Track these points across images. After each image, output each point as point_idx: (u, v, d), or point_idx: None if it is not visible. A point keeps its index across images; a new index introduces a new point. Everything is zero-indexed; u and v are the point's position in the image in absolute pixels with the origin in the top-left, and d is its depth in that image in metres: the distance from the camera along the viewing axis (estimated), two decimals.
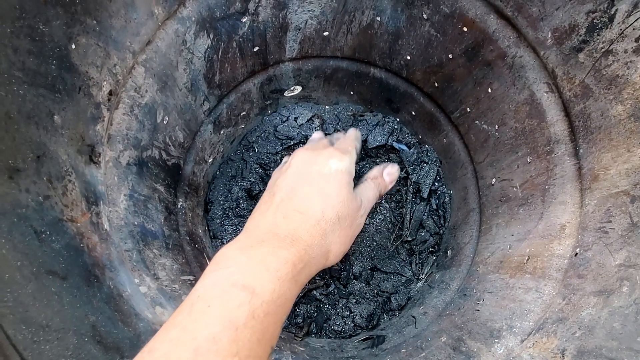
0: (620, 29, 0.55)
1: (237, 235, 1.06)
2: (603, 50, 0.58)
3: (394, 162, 0.66)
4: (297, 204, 0.46)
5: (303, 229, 0.44)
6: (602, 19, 0.57)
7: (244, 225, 1.09)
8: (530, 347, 0.58)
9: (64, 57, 0.50)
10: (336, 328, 1.01)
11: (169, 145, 0.80)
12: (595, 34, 0.58)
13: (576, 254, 0.61)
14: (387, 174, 0.62)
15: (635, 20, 0.52)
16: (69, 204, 0.49)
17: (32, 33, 0.45)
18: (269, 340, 0.34)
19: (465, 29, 0.79)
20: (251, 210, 1.12)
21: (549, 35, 0.65)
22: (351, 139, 0.62)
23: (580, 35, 0.60)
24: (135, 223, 0.66)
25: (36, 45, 0.45)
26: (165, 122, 0.77)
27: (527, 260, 0.71)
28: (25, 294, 0.36)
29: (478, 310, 0.75)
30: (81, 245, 0.48)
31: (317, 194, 0.47)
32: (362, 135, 1.13)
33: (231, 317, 0.32)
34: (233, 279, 0.35)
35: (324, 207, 0.46)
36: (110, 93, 0.60)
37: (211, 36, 0.79)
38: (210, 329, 0.31)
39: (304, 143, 1.15)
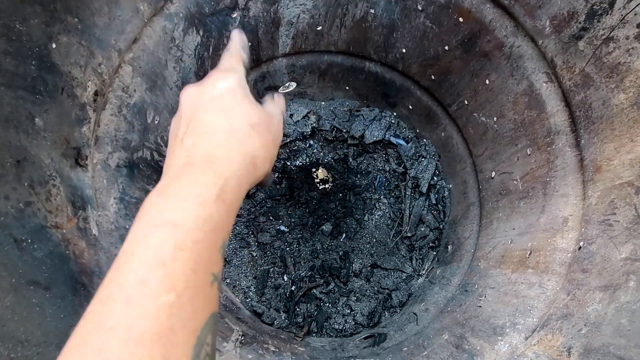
0: (622, 15, 0.53)
1: (237, 235, 1.06)
2: (604, 37, 0.56)
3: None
4: (201, 129, 0.43)
5: (216, 146, 0.40)
6: (602, 5, 0.55)
7: (241, 225, 1.07)
8: (534, 344, 0.56)
9: (44, 57, 0.48)
10: (337, 327, 1.00)
11: (161, 146, 0.79)
12: (595, 20, 0.56)
13: (580, 247, 0.59)
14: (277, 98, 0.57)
15: (637, 5, 0.51)
16: (53, 209, 0.47)
17: (8, 32, 0.43)
18: (205, 267, 0.33)
19: (461, 19, 0.77)
20: (248, 209, 1.11)
21: (547, 24, 0.63)
22: (235, 51, 0.55)
23: (580, 23, 0.58)
24: (127, 227, 0.64)
25: (13, 45, 0.43)
26: (156, 122, 0.75)
27: (529, 254, 0.69)
28: (3, 307, 0.34)
29: (480, 307, 0.74)
30: (67, 252, 0.46)
31: (217, 113, 0.44)
32: (359, 130, 1.11)
33: (156, 256, 0.31)
34: (152, 222, 0.33)
35: (229, 120, 0.43)
36: (95, 93, 0.58)
37: (201, 32, 0.77)
38: (136, 275, 0.30)
39: (301, 140, 1.13)
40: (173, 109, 0.80)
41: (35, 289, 0.39)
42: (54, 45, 0.49)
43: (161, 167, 0.79)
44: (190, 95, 0.46)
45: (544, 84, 0.68)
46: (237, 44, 0.55)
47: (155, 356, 0.27)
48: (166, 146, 0.80)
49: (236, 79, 0.47)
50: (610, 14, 0.54)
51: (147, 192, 0.73)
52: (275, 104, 0.53)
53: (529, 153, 0.74)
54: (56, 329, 0.39)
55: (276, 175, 1.09)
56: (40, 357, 0.35)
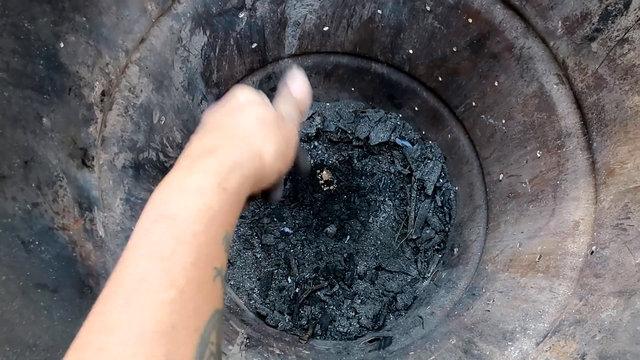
0: (637, 16, 0.52)
1: (240, 237, 1.05)
2: (618, 38, 0.55)
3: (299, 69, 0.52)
4: (207, 127, 0.42)
5: (218, 138, 0.39)
6: (617, 6, 0.54)
7: (245, 226, 1.06)
8: (547, 350, 0.55)
9: (52, 57, 0.47)
10: (341, 329, 0.99)
11: (167, 147, 0.78)
12: (610, 21, 0.56)
13: (592, 252, 0.58)
14: (295, 89, 0.51)
15: None
16: (60, 210, 0.46)
17: (17, 31, 0.42)
18: (206, 261, 0.31)
19: (470, 20, 0.76)
20: (252, 211, 1.10)
21: (560, 25, 0.63)
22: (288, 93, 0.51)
23: (593, 24, 0.58)
24: (133, 228, 0.63)
25: (21, 44, 0.43)
26: (162, 123, 0.75)
27: (539, 258, 0.68)
28: (11, 311, 0.34)
29: (488, 311, 0.73)
30: (73, 254, 0.45)
31: (226, 113, 0.43)
32: (364, 132, 1.10)
33: (155, 251, 0.30)
34: (153, 217, 0.32)
35: (236, 118, 0.42)
36: (102, 94, 0.58)
37: (208, 33, 0.76)
38: (136, 271, 0.29)
39: (305, 141, 1.12)
40: (179, 110, 0.79)
41: (43, 291, 0.38)
42: (62, 45, 0.49)
43: (167, 168, 0.78)
44: (210, 108, 0.45)
45: (555, 86, 0.67)
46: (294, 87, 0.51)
47: (157, 356, 0.26)
48: (172, 147, 0.80)
49: (255, 92, 0.46)
50: (625, 15, 0.53)
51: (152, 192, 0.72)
52: (290, 103, 0.50)
53: (538, 156, 0.73)
54: (64, 333, 0.39)
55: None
56: None
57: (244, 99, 0.45)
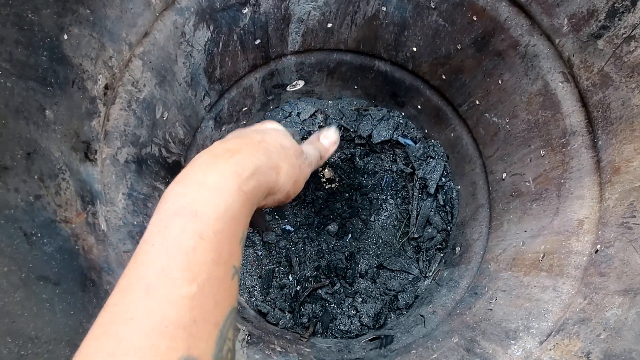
0: None
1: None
2: (625, 36, 0.55)
3: (336, 127, 0.63)
4: (233, 134, 0.45)
5: (243, 145, 0.40)
6: (624, 3, 0.54)
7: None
8: (550, 349, 0.55)
9: (56, 48, 0.47)
10: (342, 328, 0.98)
11: (169, 142, 0.78)
12: (617, 18, 0.55)
13: (596, 250, 0.58)
14: (324, 137, 0.59)
15: None
16: (63, 203, 0.46)
17: (20, 22, 0.42)
18: (226, 259, 0.32)
19: (474, 17, 0.76)
20: None
21: (565, 22, 0.62)
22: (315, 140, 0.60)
23: (600, 21, 0.57)
24: (135, 223, 0.63)
25: (24, 35, 0.42)
26: (164, 118, 0.74)
27: (543, 257, 0.68)
28: (13, 302, 0.33)
29: (491, 310, 0.73)
30: (76, 247, 0.45)
31: (253, 131, 0.46)
32: (367, 130, 1.10)
33: (177, 245, 0.30)
34: (173, 210, 0.32)
35: (262, 136, 0.44)
36: (106, 87, 0.57)
37: (211, 28, 0.76)
38: (156, 264, 0.29)
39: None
40: (181, 105, 0.79)
41: (45, 284, 0.38)
42: (65, 37, 0.48)
43: (169, 164, 0.78)
44: (237, 130, 0.49)
45: (560, 84, 0.67)
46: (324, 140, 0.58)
47: (178, 348, 0.26)
48: (174, 143, 0.79)
49: (283, 127, 0.50)
50: (633, 12, 0.53)
51: (154, 188, 0.72)
52: (315, 146, 0.55)
53: (542, 154, 0.73)
54: (66, 325, 0.38)
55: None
56: (50, 354, 0.34)
57: (271, 127, 0.49)
